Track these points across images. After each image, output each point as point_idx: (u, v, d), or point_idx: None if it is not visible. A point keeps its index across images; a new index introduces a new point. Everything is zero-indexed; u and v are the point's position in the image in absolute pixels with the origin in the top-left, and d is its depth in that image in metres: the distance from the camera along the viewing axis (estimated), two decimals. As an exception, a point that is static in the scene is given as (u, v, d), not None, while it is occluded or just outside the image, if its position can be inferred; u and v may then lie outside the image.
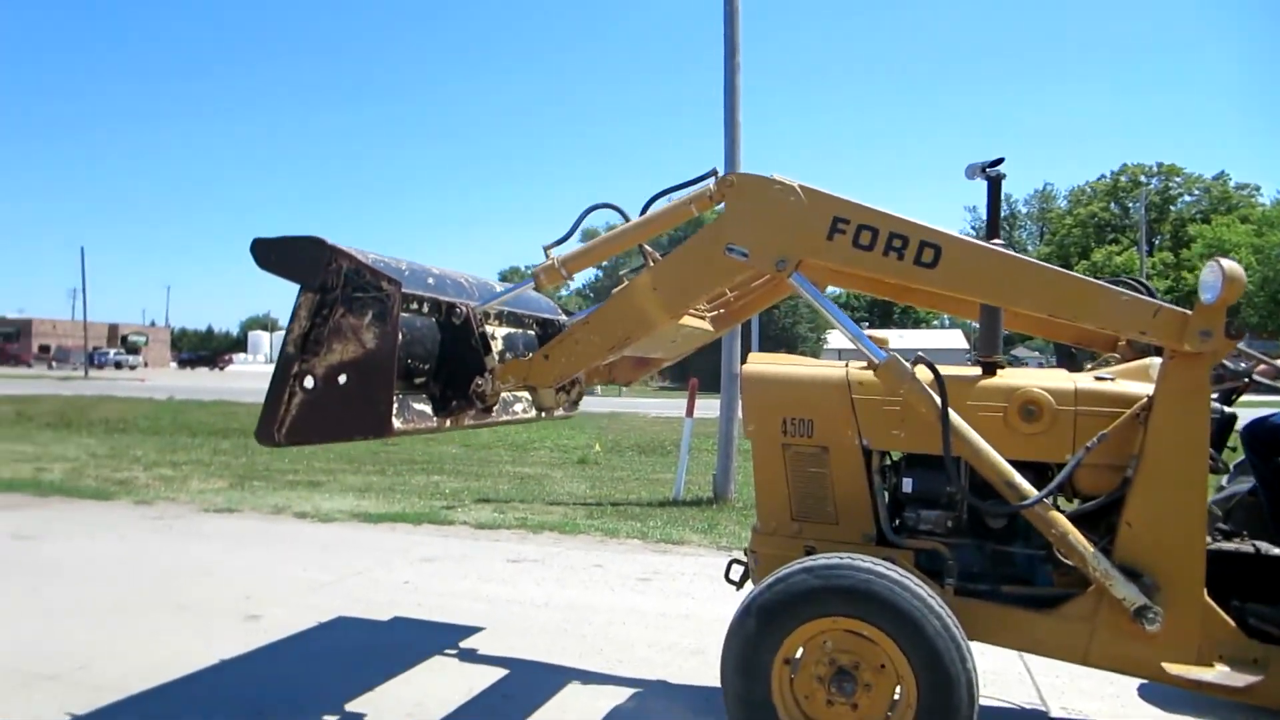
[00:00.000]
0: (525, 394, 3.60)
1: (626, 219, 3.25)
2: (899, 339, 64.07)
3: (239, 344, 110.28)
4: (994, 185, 3.09)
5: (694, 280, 3.03)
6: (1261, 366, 3.32)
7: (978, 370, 3.14)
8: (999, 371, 3.10)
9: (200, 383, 43.88)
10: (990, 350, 3.09)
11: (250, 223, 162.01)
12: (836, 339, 68.48)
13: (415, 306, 3.02)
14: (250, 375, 62.82)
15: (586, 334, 3.14)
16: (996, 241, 2.97)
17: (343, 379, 2.71)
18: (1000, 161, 3.07)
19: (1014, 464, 2.81)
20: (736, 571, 3.65)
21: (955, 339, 73.58)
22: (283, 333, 2.84)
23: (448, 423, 3.11)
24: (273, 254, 2.83)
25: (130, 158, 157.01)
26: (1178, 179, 65.65)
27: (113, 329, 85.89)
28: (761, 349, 13.28)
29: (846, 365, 3.28)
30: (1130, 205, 62.30)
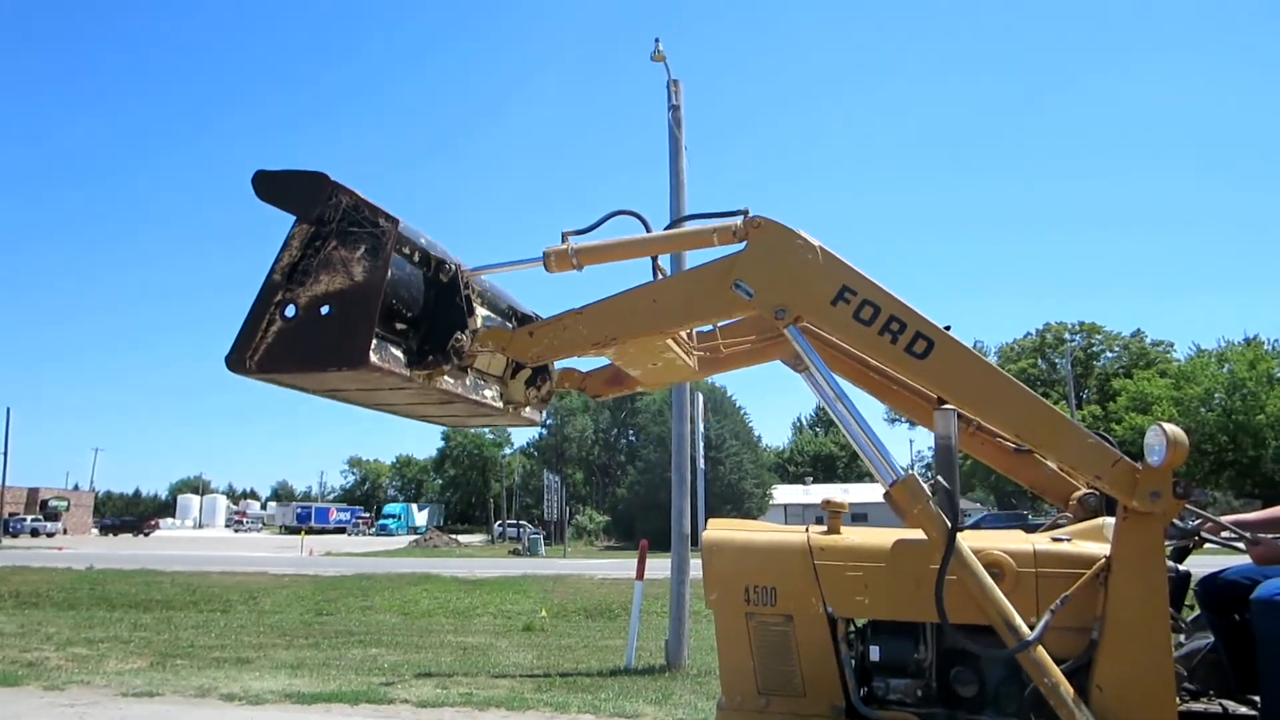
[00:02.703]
0: (496, 384, 3.50)
1: (648, 230, 3.22)
2: (844, 492, 64.31)
3: (167, 508, 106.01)
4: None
5: (694, 304, 3.03)
6: (1209, 524, 3.38)
7: (936, 533, 3.13)
8: (958, 534, 3.09)
9: (122, 550, 41.72)
10: (950, 512, 3.10)
11: (185, 382, 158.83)
12: (783, 495, 68.63)
13: (407, 251, 2.95)
14: (178, 541, 60.14)
15: (576, 323, 3.08)
16: (947, 407, 3.03)
17: (325, 309, 2.66)
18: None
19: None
20: None
21: (898, 492, 73.97)
22: (267, 269, 2.73)
23: (419, 378, 2.96)
24: (274, 186, 2.79)
25: (61, 314, 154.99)
26: (1098, 336, 69.01)
27: (32, 493, 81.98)
28: (708, 505, 13.18)
29: (807, 529, 3.25)
30: (1057, 361, 65.02)
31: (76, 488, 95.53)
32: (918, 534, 3.16)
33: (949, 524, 2.77)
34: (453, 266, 3.09)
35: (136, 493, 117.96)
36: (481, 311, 3.32)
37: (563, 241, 3.14)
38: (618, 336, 3.06)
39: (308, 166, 2.80)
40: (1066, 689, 2.67)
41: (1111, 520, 2.96)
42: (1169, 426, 2.69)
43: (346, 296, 2.67)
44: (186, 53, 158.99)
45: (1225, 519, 3.37)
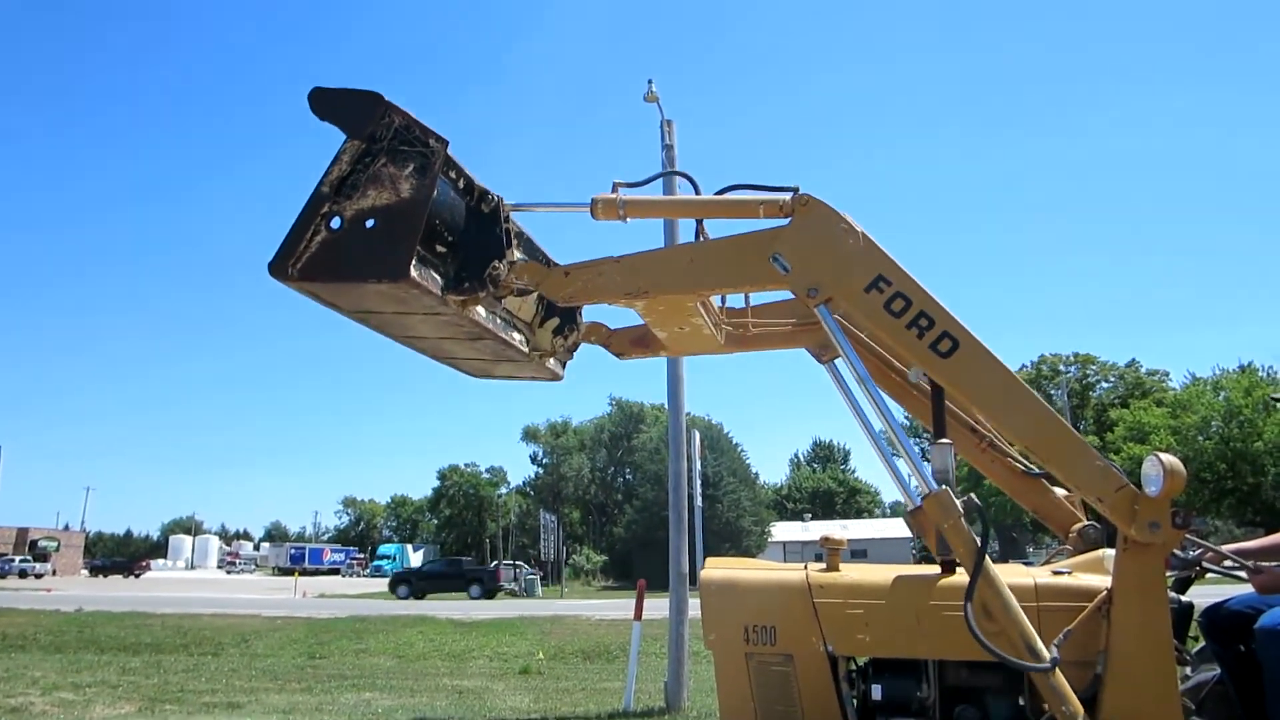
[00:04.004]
0: (525, 330, 3.53)
1: (698, 192, 3.24)
2: (843, 529, 64.01)
3: (159, 549, 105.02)
4: (936, 387, 3.18)
5: (730, 269, 3.03)
6: (1210, 554, 3.35)
7: (935, 569, 3.10)
8: (958, 570, 3.06)
9: (112, 592, 41.18)
10: (947, 549, 3.07)
11: (179, 421, 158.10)
12: (781, 532, 68.25)
13: (453, 176, 2.99)
14: (169, 582, 59.45)
15: (612, 270, 3.08)
16: (944, 441, 3.02)
17: (370, 223, 2.70)
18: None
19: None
20: None
21: (898, 528, 73.67)
22: (317, 183, 2.77)
23: (454, 303, 2.97)
24: (329, 103, 2.82)
25: (53, 352, 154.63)
26: (1093, 367, 69.17)
27: (22, 533, 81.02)
28: (706, 543, 13.10)
29: (806, 567, 3.21)
30: (1053, 393, 65.16)
31: (67, 528, 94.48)
32: (918, 569, 3.13)
33: (979, 543, 2.73)
34: (495, 198, 3.14)
35: (128, 533, 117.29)
36: (517, 253, 3.32)
37: (613, 190, 3.15)
38: (650, 290, 3.07)
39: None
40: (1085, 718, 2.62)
41: (1112, 552, 2.93)
42: (1166, 456, 2.68)
43: (392, 211, 2.72)
44: (223, 88, 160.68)
45: (1226, 548, 3.35)
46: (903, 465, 2.93)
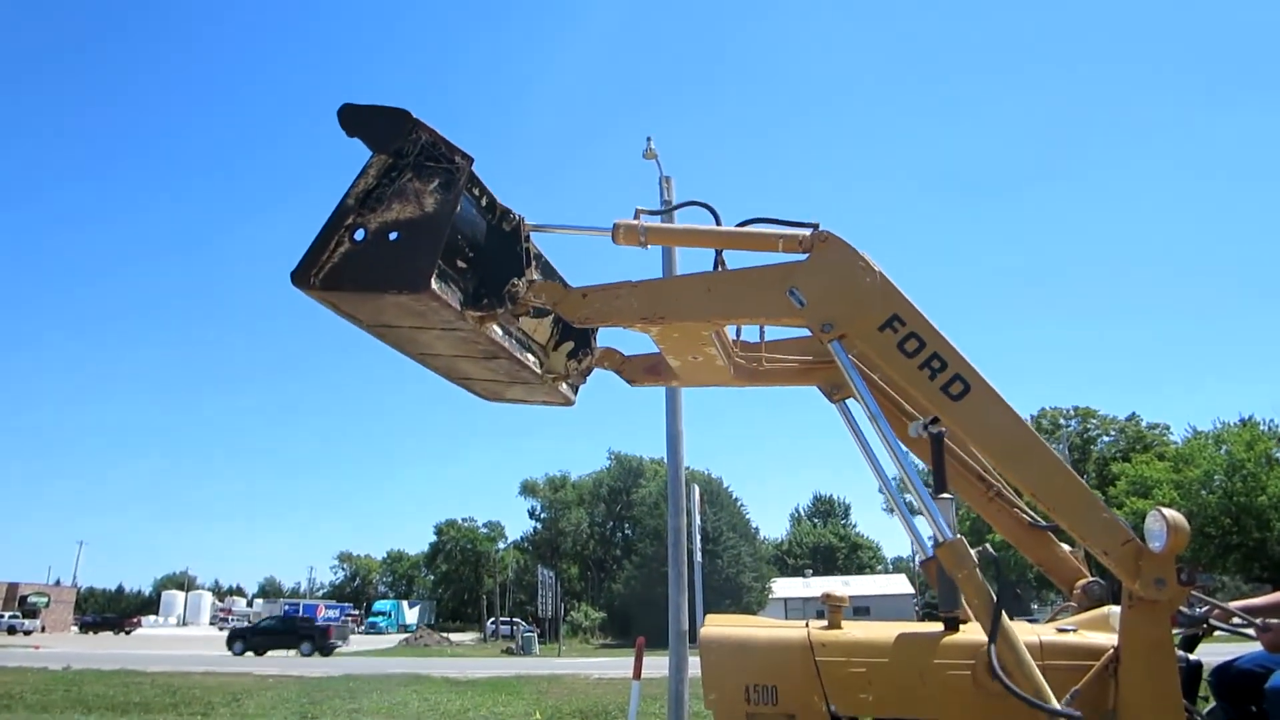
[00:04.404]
0: (539, 352, 3.55)
1: (718, 223, 3.23)
2: (844, 585, 63.27)
3: (151, 604, 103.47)
4: (937, 442, 3.16)
5: (746, 300, 3.04)
6: (1217, 611, 3.31)
7: (939, 626, 3.05)
8: (961, 627, 3.02)
9: (102, 649, 40.51)
10: (951, 605, 3.02)
11: (174, 475, 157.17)
12: (782, 588, 67.44)
13: (476, 193, 3.04)
14: (160, 639, 58.50)
15: (629, 294, 3.08)
16: (945, 496, 2.99)
17: (393, 235, 2.75)
18: (937, 420, 3.17)
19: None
20: None
21: (900, 584, 72.96)
22: (343, 196, 2.82)
23: (471, 319, 2.97)
24: (358, 119, 2.87)
25: (46, 403, 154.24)
26: (1094, 420, 69.05)
27: (12, 588, 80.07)
28: (706, 599, 12.92)
29: (807, 625, 3.16)
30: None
31: (58, 583, 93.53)
32: (922, 627, 3.08)
33: (994, 596, 2.68)
34: (516, 217, 3.19)
35: (120, 589, 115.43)
36: (535, 274, 3.34)
37: (635, 217, 3.18)
38: (666, 315, 3.08)
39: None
40: None
41: (1118, 609, 2.89)
42: (1169, 511, 2.65)
43: (416, 225, 2.76)
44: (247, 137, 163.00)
45: (1233, 604, 3.30)
46: (912, 497, 2.88)
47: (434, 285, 2.72)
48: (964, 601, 2.76)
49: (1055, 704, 2.58)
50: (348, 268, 2.75)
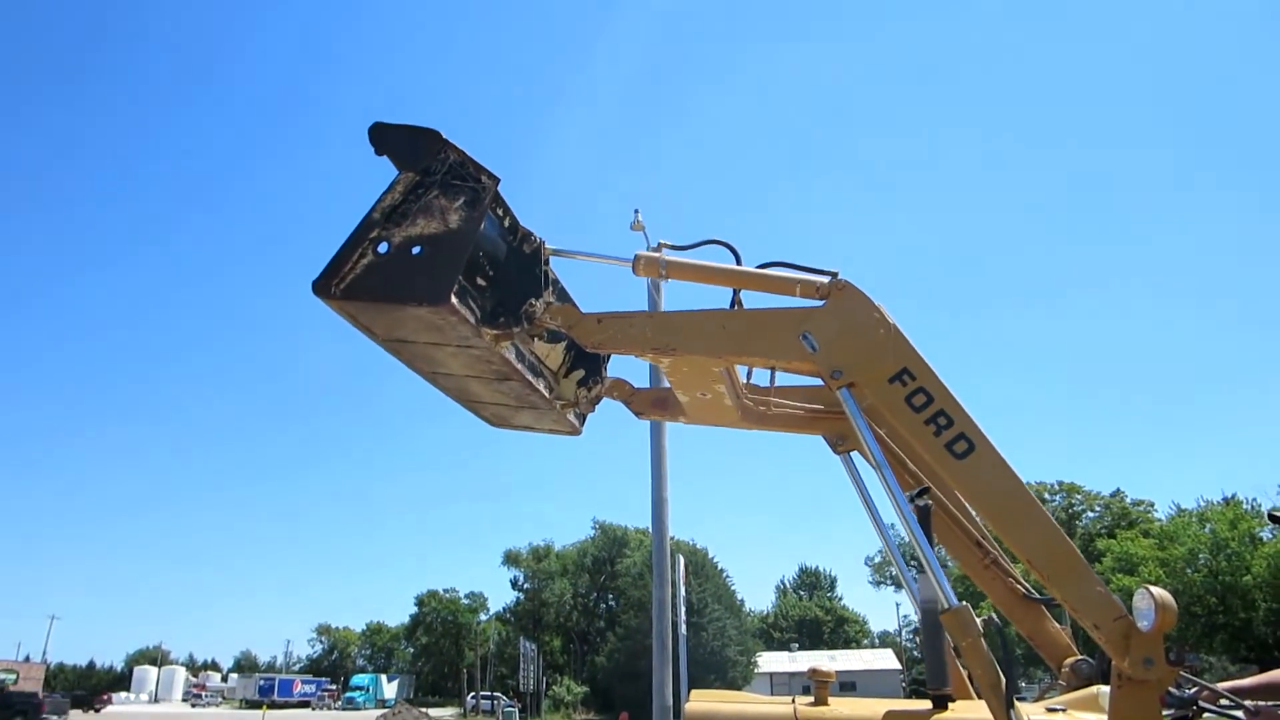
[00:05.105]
0: (550, 379, 3.55)
1: (739, 263, 3.24)
2: (831, 660, 62.17)
3: (122, 680, 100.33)
4: (922, 515, 3.15)
5: (759, 340, 3.05)
6: (1206, 693, 3.28)
7: (927, 703, 3.02)
8: (950, 705, 2.98)
9: (70, 727, 39.16)
10: (939, 682, 3.00)
11: (147, 547, 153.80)
12: (768, 662, 66.15)
13: (500, 214, 3.08)
14: (132, 717, 56.53)
15: (644, 324, 3.12)
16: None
17: (416, 250, 2.78)
18: (926, 491, 3.18)
19: None
20: None
21: (887, 659, 71.68)
22: (369, 210, 2.88)
23: (488, 337, 2.98)
24: (388, 138, 2.92)
25: (16, 477, 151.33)
26: (1078, 496, 68.95)
27: (-22, 665, 77.69)
28: (690, 674, 12.68)
29: (794, 701, 3.12)
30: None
31: (28, 659, 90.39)
32: (909, 704, 3.04)
33: (997, 666, 2.65)
34: (537, 240, 3.25)
35: (91, 664, 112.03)
36: (551, 298, 3.36)
37: (657, 249, 3.22)
38: (678, 348, 3.10)
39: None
40: None
41: (1106, 689, 2.87)
42: (1156, 590, 2.65)
43: (439, 240, 2.80)
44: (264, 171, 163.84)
45: (1221, 686, 3.28)
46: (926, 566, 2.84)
47: (454, 300, 2.76)
48: (963, 672, 2.74)
49: None
50: (370, 279, 2.80)
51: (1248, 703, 3.14)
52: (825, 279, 3.07)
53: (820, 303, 3.06)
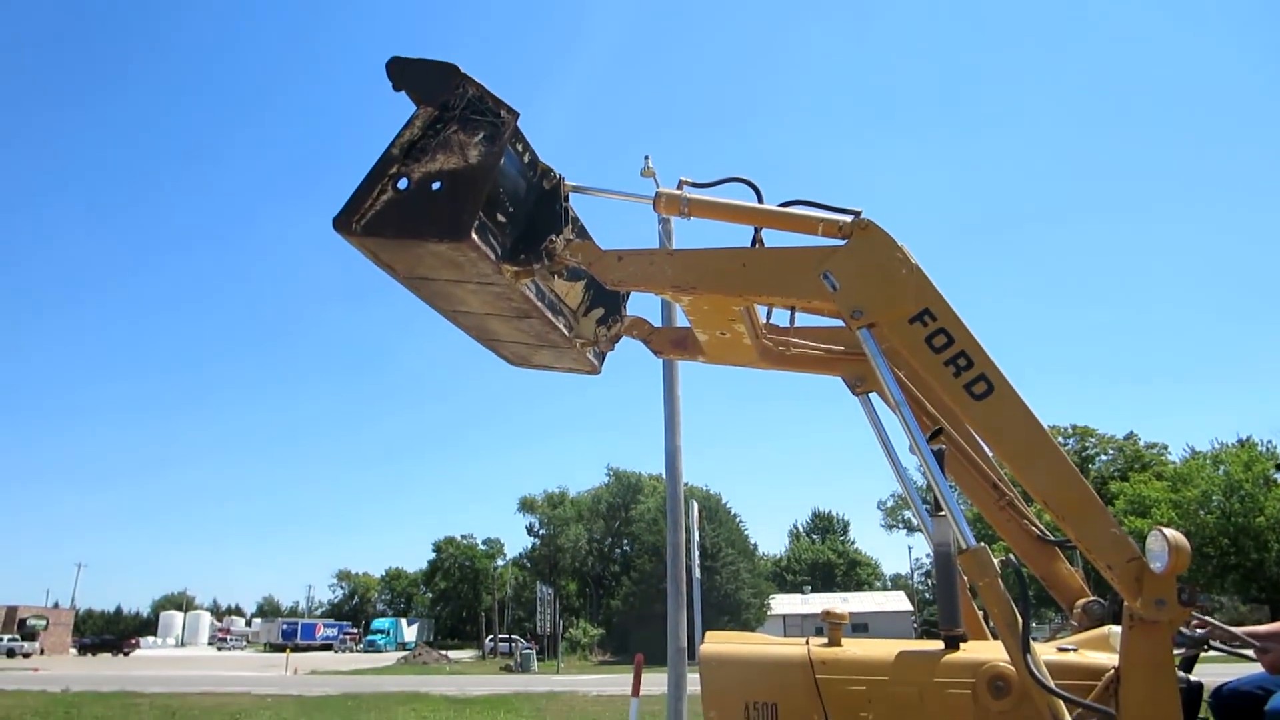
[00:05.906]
0: (570, 317, 3.56)
1: (760, 200, 3.22)
2: (843, 601, 62.98)
3: (149, 626, 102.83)
4: (938, 458, 3.16)
5: (780, 279, 3.04)
6: (1221, 633, 3.30)
7: (939, 644, 3.05)
8: (962, 645, 3.01)
9: (102, 671, 40.31)
10: (951, 623, 3.02)
11: (172, 495, 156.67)
12: (781, 604, 67.16)
13: (519, 149, 3.05)
14: (159, 661, 58.12)
15: (664, 262, 3.10)
16: (943, 514, 3.00)
17: (436, 185, 2.77)
18: (940, 433, 3.17)
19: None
20: None
21: (899, 601, 72.65)
22: (388, 146, 2.85)
23: (508, 273, 2.99)
24: (406, 72, 2.90)
25: (42, 425, 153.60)
26: (1092, 439, 68.96)
27: (11, 611, 79.58)
28: (705, 616, 12.88)
29: (807, 642, 3.16)
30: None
31: (56, 605, 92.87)
32: (922, 645, 3.08)
33: (1014, 606, 2.68)
34: (557, 176, 3.23)
35: (118, 610, 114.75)
36: (571, 234, 3.34)
37: (678, 187, 3.19)
38: (699, 286, 3.08)
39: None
40: None
41: (1118, 629, 2.88)
42: (1169, 531, 2.65)
43: (459, 176, 2.79)
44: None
45: (1237, 630, 3.29)
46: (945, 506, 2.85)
47: (474, 236, 2.75)
48: (978, 613, 2.76)
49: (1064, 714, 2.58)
50: (390, 215, 2.79)
51: (1256, 638, 3.16)
52: (848, 218, 3.03)
53: (842, 242, 3.02)
